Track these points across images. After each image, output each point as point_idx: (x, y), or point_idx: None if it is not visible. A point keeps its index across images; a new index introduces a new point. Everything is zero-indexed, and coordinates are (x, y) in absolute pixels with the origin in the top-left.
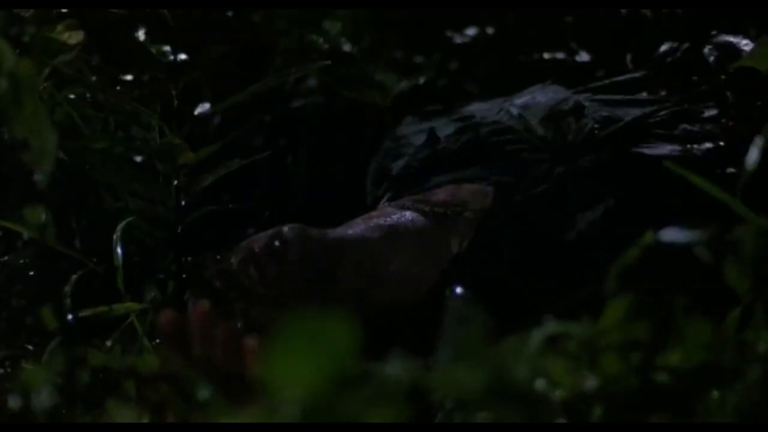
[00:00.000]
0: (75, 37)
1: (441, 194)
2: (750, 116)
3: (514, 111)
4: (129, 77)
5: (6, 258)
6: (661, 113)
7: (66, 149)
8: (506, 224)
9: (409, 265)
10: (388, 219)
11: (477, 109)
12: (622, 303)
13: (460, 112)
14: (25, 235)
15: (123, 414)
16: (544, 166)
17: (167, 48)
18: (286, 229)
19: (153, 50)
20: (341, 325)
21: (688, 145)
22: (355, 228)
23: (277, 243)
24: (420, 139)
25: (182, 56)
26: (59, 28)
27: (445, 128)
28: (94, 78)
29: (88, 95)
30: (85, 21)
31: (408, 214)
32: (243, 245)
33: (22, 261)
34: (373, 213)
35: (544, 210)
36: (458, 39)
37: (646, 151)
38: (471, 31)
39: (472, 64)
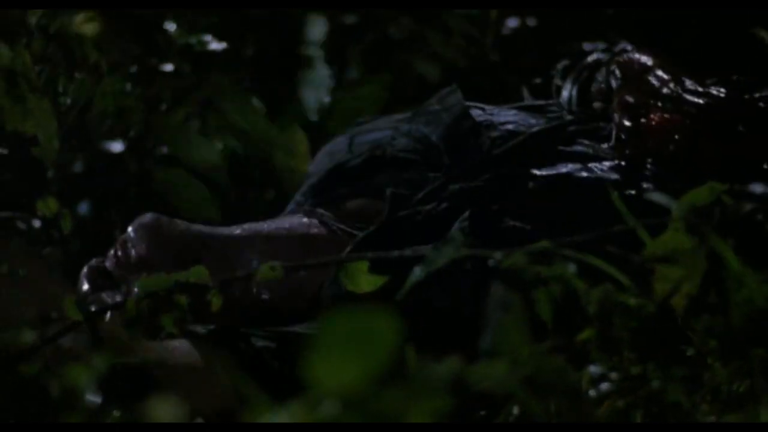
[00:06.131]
0: (91, 28)
1: (351, 206)
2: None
3: (409, 129)
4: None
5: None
6: (567, 128)
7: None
8: (395, 239)
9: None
10: (280, 224)
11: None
12: None
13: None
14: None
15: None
16: (438, 183)
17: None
18: (144, 217)
19: (194, 40)
20: (385, 322)
21: (588, 164)
22: (234, 228)
23: (131, 230)
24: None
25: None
26: (79, 18)
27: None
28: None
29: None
30: (116, 13)
31: (305, 221)
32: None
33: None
34: (272, 219)
35: (435, 226)
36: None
37: (545, 171)
38: (512, 22)
39: (513, 55)
